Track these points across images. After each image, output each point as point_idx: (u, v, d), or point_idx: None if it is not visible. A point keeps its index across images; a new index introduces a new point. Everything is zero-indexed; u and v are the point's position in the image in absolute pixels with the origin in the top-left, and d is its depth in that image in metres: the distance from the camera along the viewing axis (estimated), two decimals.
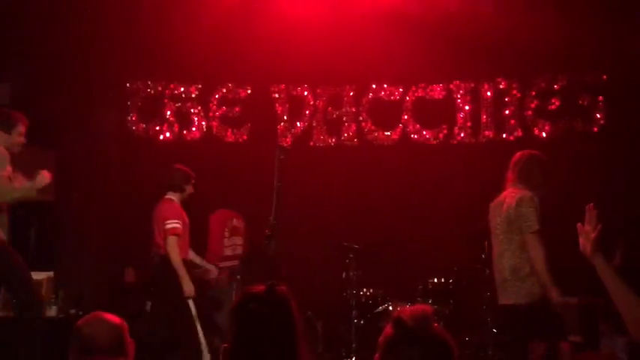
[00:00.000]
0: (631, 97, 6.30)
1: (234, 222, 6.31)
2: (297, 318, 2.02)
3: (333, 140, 7.05)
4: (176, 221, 5.05)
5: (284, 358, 1.96)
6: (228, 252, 6.17)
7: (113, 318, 2.37)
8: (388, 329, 1.86)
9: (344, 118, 7.04)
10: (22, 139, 4.56)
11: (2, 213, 4.41)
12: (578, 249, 6.18)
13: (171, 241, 5.01)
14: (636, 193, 6.04)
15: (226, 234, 6.22)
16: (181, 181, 5.25)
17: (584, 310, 5.68)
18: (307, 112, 7.08)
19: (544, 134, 6.56)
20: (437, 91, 6.86)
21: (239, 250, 6.21)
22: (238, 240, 6.20)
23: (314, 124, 7.07)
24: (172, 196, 5.25)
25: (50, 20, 6.52)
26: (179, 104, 7.21)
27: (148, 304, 5.33)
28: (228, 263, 6.18)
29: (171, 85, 7.22)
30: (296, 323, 2.01)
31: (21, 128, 4.54)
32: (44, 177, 4.45)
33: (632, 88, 6.31)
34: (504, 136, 6.68)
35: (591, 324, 5.02)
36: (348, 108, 7.03)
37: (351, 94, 7.02)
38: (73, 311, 5.72)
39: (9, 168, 4.38)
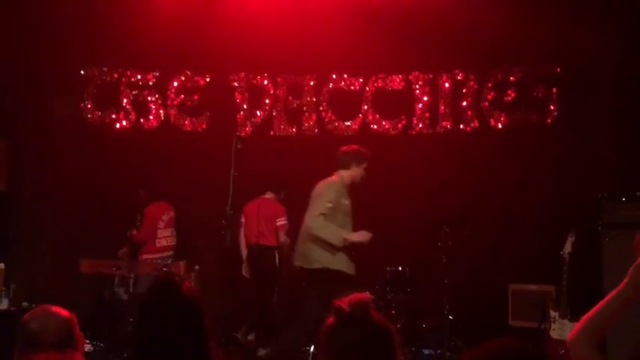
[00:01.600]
0: (584, 90, 6.46)
1: (170, 214, 6.32)
2: (189, 305, 2.10)
3: (294, 130, 7.04)
4: (285, 218, 6.16)
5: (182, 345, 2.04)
6: (162, 242, 6.23)
7: (61, 311, 2.32)
8: (329, 319, 1.92)
9: (304, 108, 7.02)
10: (365, 174, 5.24)
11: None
12: (531, 237, 6.30)
13: (283, 234, 6.13)
14: (587, 184, 6.22)
15: (160, 225, 6.24)
16: (281, 185, 6.34)
17: (537, 297, 5.86)
18: (267, 101, 7.05)
19: (500, 125, 6.68)
20: (396, 82, 6.91)
21: (173, 242, 6.32)
22: (172, 232, 6.31)
23: (274, 114, 7.04)
24: (271, 196, 6.27)
25: (2, 4, 6.31)
26: (136, 92, 7.08)
27: None
28: (165, 254, 6.23)
29: (128, 73, 7.08)
30: (187, 309, 2.09)
31: (367, 164, 5.22)
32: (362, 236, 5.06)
33: (584, 81, 6.47)
34: (461, 127, 6.78)
35: (543, 310, 5.17)
36: (308, 98, 7.02)
37: (312, 83, 7.01)
38: (25, 304, 5.59)
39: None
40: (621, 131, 6.20)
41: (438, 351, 5.70)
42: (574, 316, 4.90)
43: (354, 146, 5.31)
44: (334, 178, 5.25)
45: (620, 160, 6.11)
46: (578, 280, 5.23)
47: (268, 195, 6.29)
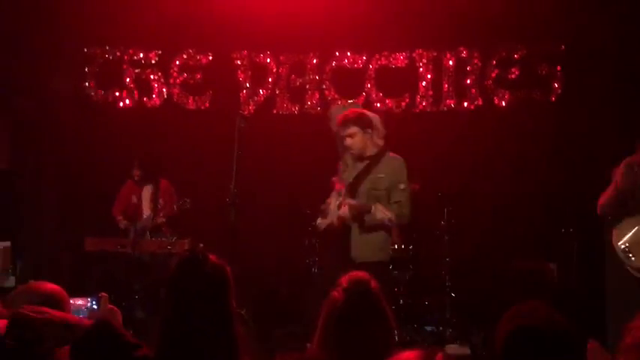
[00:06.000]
0: (588, 68, 6.42)
1: None
2: (213, 282, 2.04)
3: (296, 108, 7.02)
4: None
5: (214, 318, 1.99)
6: None
7: (41, 287, 2.30)
8: (331, 295, 1.97)
9: (307, 86, 7.00)
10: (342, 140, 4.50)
11: None
12: (534, 215, 6.32)
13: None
14: (590, 163, 6.21)
15: None
16: None
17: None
18: (270, 79, 7.02)
19: (503, 103, 6.66)
20: (400, 60, 6.87)
21: None
22: None
23: (277, 92, 7.02)
24: None
25: None
26: (138, 70, 7.06)
27: None
28: None
29: (130, 51, 7.05)
30: (211, 287, 2.03)
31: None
32: None
33: (589, 59, 6.42)
34: (465, 104, 6.76)
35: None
36: (311, 76, 6.99)
37: (315, 61, 6.97)
38: (31, 281, 5.62)
39: None
40: (624, 110, 6.17)
41: (440, 328, 5.76)
42: None
43: None
44: None
45: (622, 139, 6.09)
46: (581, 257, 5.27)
47: None
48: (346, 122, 4.42)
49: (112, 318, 2.27)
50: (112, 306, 2.32)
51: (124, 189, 6.55)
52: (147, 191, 6.41)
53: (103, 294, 2.31)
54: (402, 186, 4.40)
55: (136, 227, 6.15)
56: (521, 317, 1.76)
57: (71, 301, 2.42)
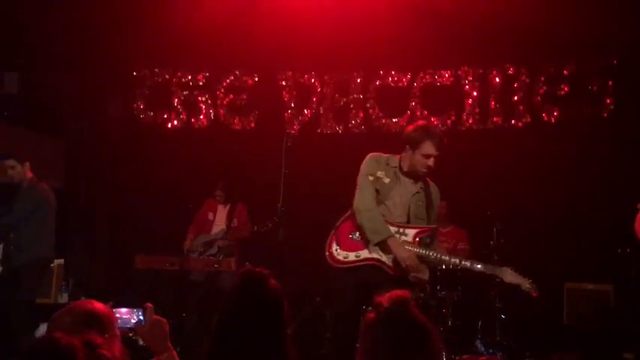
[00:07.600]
0: None
1: None
2: (275, 300, 2.09)
3: (341, 127, 7.03)
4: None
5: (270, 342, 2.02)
6: None
7: (88, 305, 2.31)
8: (370, 314, 1.92)
9: (351, 105, 7.01)
10: (426, 162, 3.96)
11: None
12: (587, 234, 6.10)
13: None
14: None
15: None
16: None
17: (593, 296, 5.69)
18: (314, 99, 7.07)
19: (553, 120, 6.51)
20: (445, 78, 6.82)
21: None
22: None
23: (321, 112, 7.06)
24: None
25: (57, 9, 6.52)
26: (186, 92, 7.22)
27: None
28: None
29: (179, 73, 7.22)
30: (272, 305, 2.08)
31: (428, 150, 3.91)
32: None
33: None
34: (513, 122, 6.64)
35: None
36: (355, 95, 7.00)
37: (359, 80, 6.99)
38: (83, 298, 5.76)
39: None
40: None
41: (490, 350, 5.61)
42: None
43: (419, 123, 4.21)
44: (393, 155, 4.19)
45: None
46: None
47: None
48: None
49: (158, 328, 2.27)
50: (157, 316, 2.32)
51: (201, 208, 6.49)
52: (223, 210, 6.45)
53: (149, 304, 2.31)
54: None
55: (203, 240, 6.26)
56: None
57: (117, 314, 2.42)
